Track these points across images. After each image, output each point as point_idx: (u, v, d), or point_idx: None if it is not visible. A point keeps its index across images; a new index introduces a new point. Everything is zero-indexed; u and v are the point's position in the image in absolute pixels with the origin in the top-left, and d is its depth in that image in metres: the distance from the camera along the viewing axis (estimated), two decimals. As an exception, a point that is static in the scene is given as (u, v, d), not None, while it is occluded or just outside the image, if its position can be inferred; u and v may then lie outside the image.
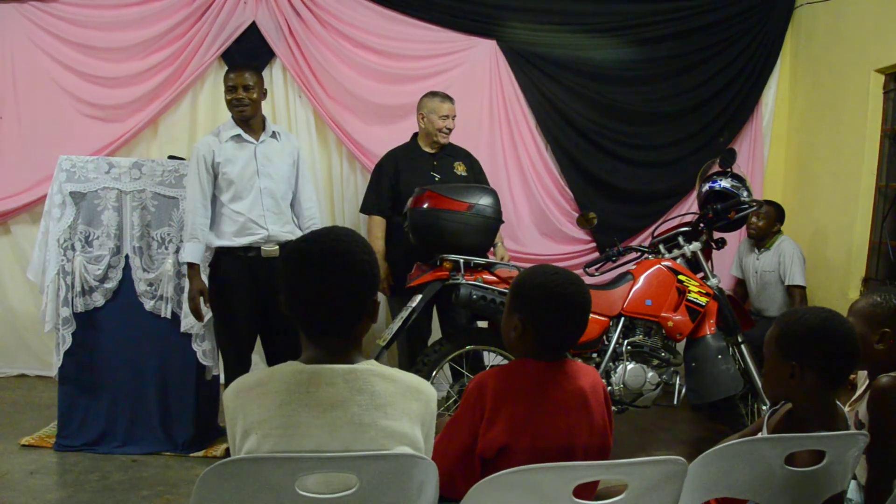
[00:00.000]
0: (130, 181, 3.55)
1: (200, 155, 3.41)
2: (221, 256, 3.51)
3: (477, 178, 4.24)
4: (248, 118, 3.48)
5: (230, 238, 3.46)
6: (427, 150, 4.16)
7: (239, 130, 3.48)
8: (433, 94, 4.15)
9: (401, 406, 1.50)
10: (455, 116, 4.14)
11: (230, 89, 3.44)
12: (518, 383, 1.80)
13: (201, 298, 3.42)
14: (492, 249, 4.05)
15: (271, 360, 3.62)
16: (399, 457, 1.41)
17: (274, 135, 3.58)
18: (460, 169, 4.17)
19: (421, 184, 3.80)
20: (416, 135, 4.23)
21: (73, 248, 3.54)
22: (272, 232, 3.48)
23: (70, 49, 4.61)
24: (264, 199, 3.48)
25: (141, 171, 3.55)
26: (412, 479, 1.41)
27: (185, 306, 3.52)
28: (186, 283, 3.51)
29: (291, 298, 1.52)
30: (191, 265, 3.42)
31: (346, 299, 1.51)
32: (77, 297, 3.55)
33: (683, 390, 3.70)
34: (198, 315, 3.46)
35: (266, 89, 3.60)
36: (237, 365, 3.48)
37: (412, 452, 1.44)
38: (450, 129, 4.12)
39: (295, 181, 3.66)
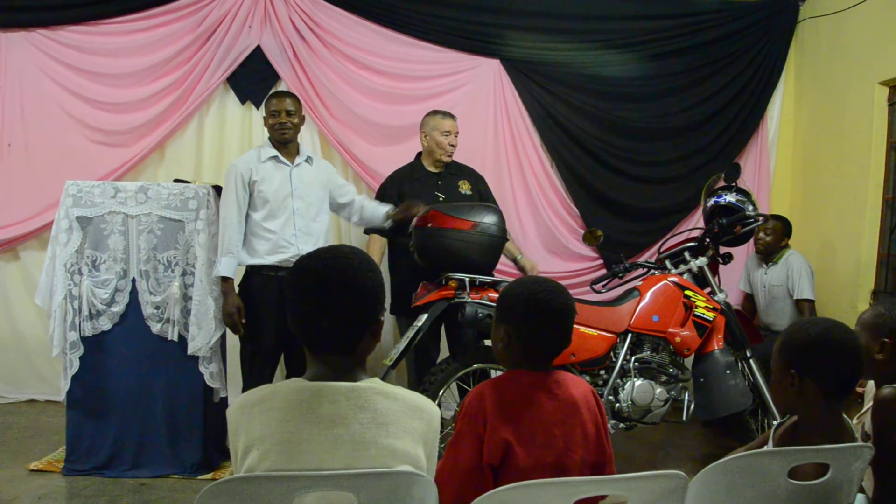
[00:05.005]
0: (136, 205, 3.56)
1: (238, 172, 3.54)
2: (252, 275, 3.62)
3: (483, 196, 4.23)
4: (288, 141, 3.66)
5: (262, 256, 3.56)
6: (431, 169, 4.17)
7: (276, 152, 3.62)
8: (434, 112, 4.17)
9: (403, 424, 1.49)
10: (458, 133, 4.15)
11: (273, 114, 3.63)
12: (513, 393, 1.82)
13: (237, 314, 3.50)
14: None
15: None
16: (397, 474, 1.40)
17: (308, 159, 3.72)
18: (465, 188, 4.17)
19: (425, 204, 3.82)
20: (419, 154, 4.25)
21: (80, 273, 3.55)
22: (303, 251, 3.52)
23: (76, 75, 4.67)
24: (297, 219, 3.60)
25: (147, 195, 3.57)
26: (411, 498, 1.40)
27: (192, 328, 3.53)
28: (193, 306, 3.53)
29: (296, 314, 1.54)
30: (225, 279, 3.51)
31: (348, 316, 1.52)
32: (84, 321, 3.55)
33: (692, 406, 3.68)
34: (237, 329, 3.53)
35: (304, 115, 3.81)
36: (258, 383, 3.46)
37: (411, 470, 1.44)
38: (453, 146, 4.13)
39: (335, 196, 3.82)
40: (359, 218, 3.89)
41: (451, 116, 4.16)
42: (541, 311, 1.86)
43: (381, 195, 4.19)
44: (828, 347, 1.75)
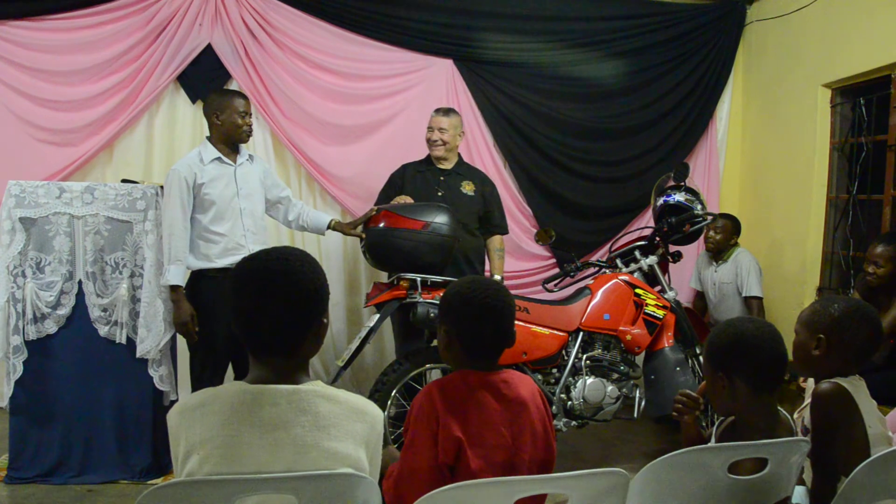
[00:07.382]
0: (82, 206, 3.49)
1: (182, 177, 3.41)
2: (200, 279, 3.51)
3: (486, 200, 4.23)
4: (244, 143, 3.61)
5: (213, 260, 3.48)
6: (439, 166, 4.17)
7: (219, 153, 3.53)
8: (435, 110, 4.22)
9: (345, 427, 1.49)
10: (443, 129, 4.13)
11: (243, 115, 3.54)
12: (460, 394, 1.83)
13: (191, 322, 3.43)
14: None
15: None
16: (339, 476, 1.40)
17: (249, 158, 3.68)
18: (468, 188, 4.17)
19: (424, 196, 3.88)
20: None
21: (24, 275, 3.46)
22: (253, 252, 3.46)
23: (20, 72, 4.52)
24: (244, 219, 3.54)
25: (93, 196, 3.50)
26: (354, 500, 1.40)
27: (141, 331, 3.47)
28: (142, 308, 3.47)
29: (237, 316, 1.52)
30: (176, 288, 3.40)
31: (289, 318, 1.50)
32: (29, 324, 3.46)
33: (643, 403, 3.73)
34: (191, 337, 3.46)
35: None
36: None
37: (353, 472, 1.43)
38: (433, 141, 4.12)
39: (272, 194, 3.79)
40: (295, 217, 3.85)
41: (442, 112, 4.18)
42: (475, 309, 1.88)
43: (389, 182, 4.21)
44: (748, 346, 1.80)
